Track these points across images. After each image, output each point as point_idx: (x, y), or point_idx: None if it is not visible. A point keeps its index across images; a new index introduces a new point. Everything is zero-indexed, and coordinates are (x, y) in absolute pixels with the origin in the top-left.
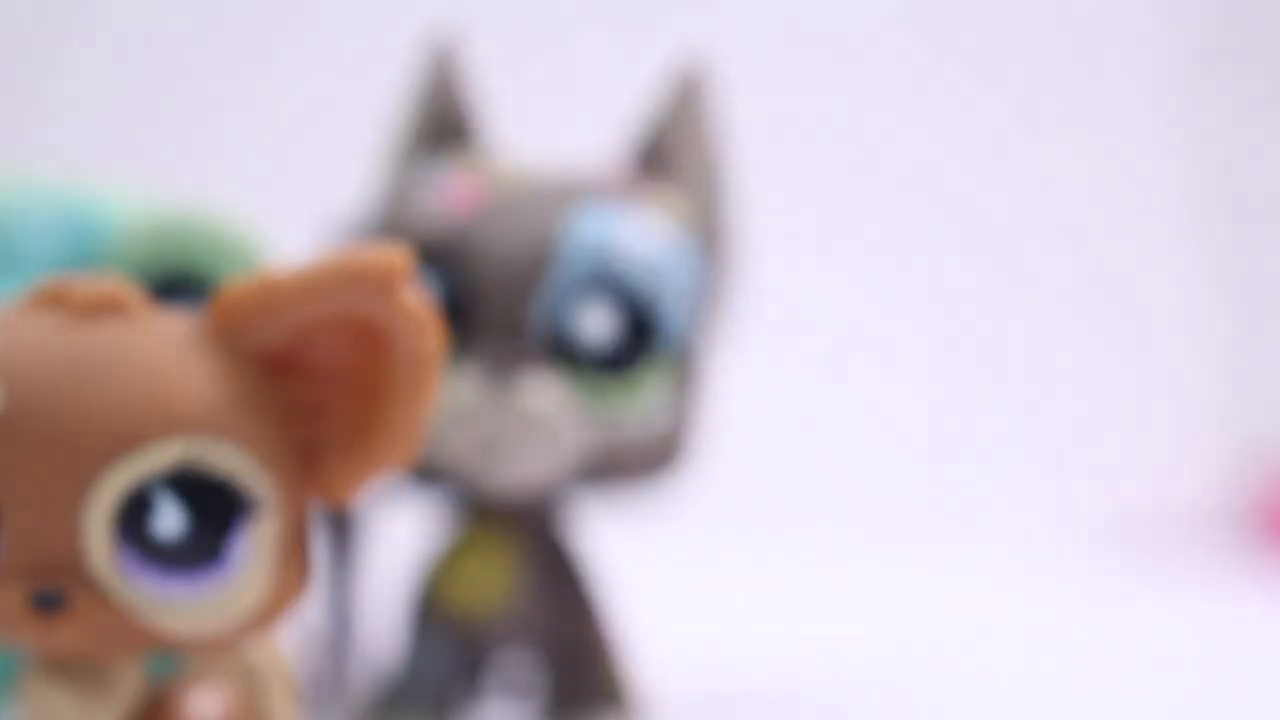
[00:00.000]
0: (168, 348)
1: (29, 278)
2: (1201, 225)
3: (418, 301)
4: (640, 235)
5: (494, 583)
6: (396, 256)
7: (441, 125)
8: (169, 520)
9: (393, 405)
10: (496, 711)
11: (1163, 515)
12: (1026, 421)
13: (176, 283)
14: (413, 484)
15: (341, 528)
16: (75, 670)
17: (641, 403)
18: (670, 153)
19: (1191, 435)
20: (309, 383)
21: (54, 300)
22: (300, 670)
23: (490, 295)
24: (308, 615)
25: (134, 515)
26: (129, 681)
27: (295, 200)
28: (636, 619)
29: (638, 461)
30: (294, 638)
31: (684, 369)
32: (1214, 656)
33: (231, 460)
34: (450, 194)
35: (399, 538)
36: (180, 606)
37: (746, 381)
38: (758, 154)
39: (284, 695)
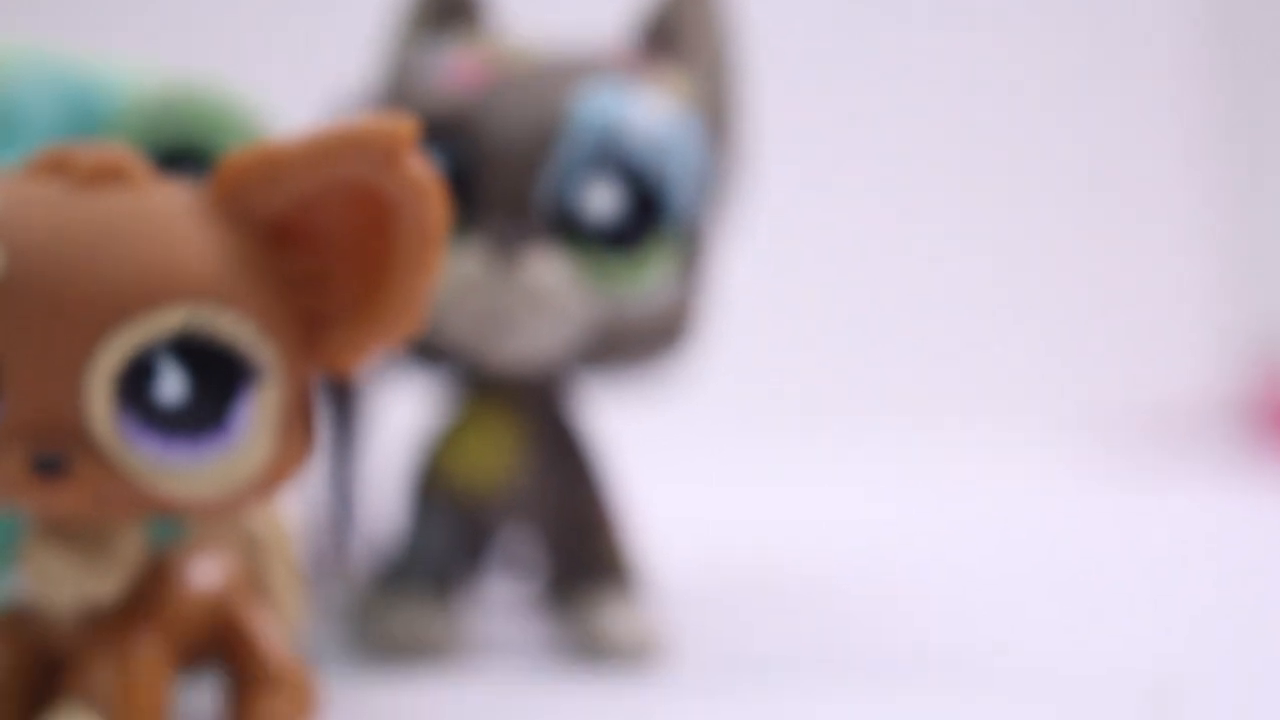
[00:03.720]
0: (171, 216)
1: (31, 148)
2: (1205, 127)
3: (423, 170)
4: (646, 113)
5: (496, 459)
6: (401, 126)
7: (447, 3)
8: (171, 386)
9: (396, 275)
10: (498, 586)
11: (1163, 410)
12: (1027, 320)
13: (180, 155)
14: (416, 361)
15: (344, 403)
16: (76, 535)
17: (646, 280)
18: (677, 32)
19: (1192, 332)
20: (312, 252)
21: (56, 168)
22: (302, 546)
23: (496, 172)
24: (309, 491)
25: (136, 380)
26: (130, 547)
27: (300, 79)
28: (638, 497)
29: (642, 340)
30: (296, 513)
31: (689, 248)
32: (1213, 550)
33: (234, 328)
34: (456, 72)
35: (401, 415)
36: (181, 472)
37: (750, 265)
38: (765, 35)
39: (285, 564)
